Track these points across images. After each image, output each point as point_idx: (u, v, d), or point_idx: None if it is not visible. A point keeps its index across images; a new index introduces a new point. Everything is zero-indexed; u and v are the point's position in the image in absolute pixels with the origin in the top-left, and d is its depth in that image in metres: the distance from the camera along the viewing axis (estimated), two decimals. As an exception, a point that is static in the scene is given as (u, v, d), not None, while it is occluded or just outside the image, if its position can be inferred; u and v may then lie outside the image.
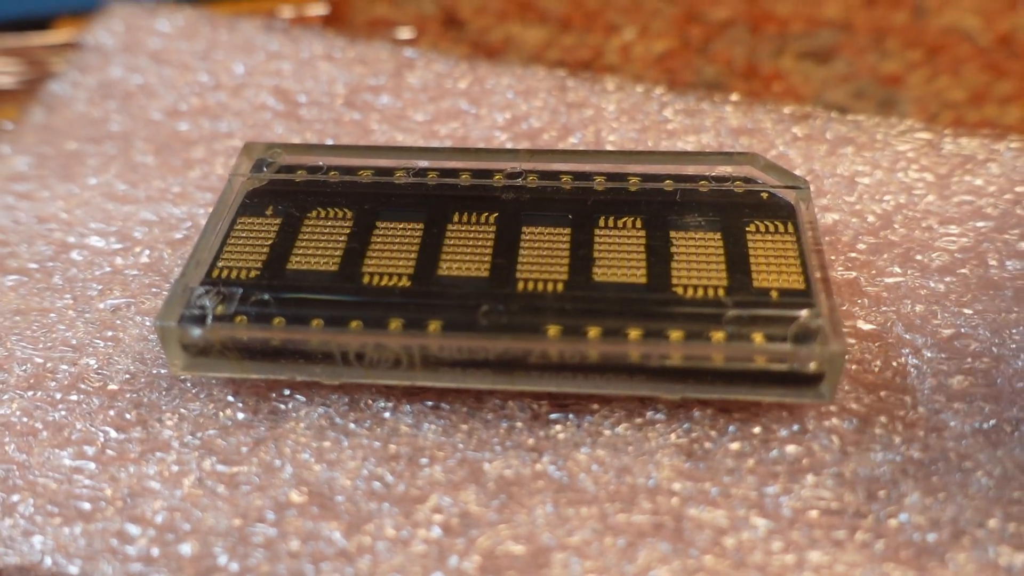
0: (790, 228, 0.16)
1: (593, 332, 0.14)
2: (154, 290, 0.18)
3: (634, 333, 0.14)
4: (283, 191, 0.17)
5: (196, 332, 0.15)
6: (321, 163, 0.18)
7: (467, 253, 0.16)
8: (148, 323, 0.17)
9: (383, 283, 0.15)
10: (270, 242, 0.16)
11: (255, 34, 0.23)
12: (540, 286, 0.15)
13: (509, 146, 0.20)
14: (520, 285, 0.15)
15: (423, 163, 0.18)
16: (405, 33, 0.25)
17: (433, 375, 0.15)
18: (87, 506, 0.15)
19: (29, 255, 0.18)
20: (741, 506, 0.14)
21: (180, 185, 0.20)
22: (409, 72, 0.22)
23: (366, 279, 0.15)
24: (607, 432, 0.15)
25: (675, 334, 0.14)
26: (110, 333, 0.17)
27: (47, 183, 0.20)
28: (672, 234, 0.16)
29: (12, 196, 0.20)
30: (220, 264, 0.16)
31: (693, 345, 0.14)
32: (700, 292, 0.15)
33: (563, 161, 0.18)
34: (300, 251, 0.16)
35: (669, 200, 0.17)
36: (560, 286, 0.15)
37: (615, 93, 0.21)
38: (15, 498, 0.15)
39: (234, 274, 0.16)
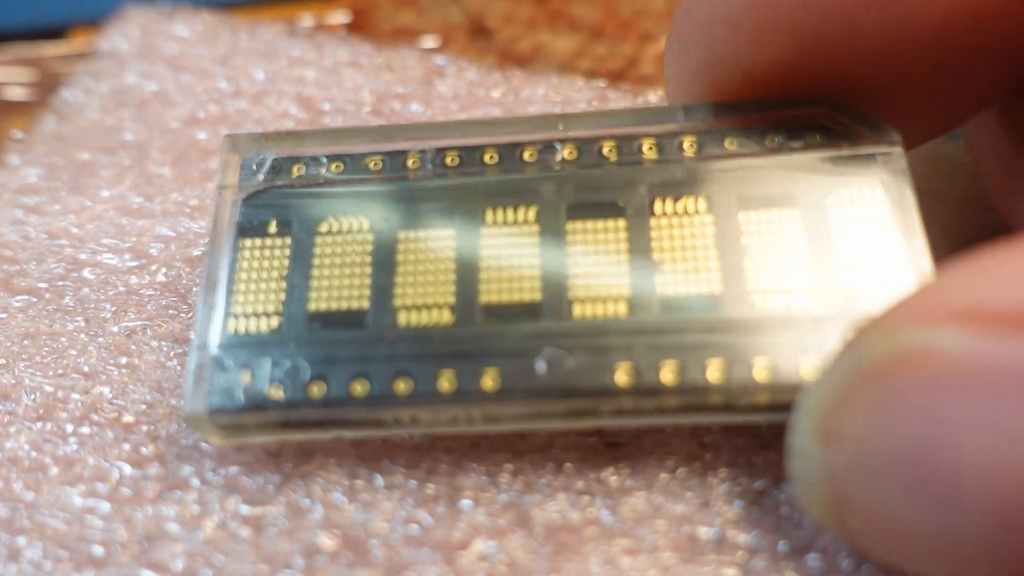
0: (880, 196, 0.14)
1: (667, 375, 0.13)
2: (171, 312, 0.17)
3: (713, 369, 0.13)
4: (283, 199, 0.15)
5: (226, 418, 0.13)
6: (319, 154, 0.15)
7: (511, 268, 0.14)
8: (165, 348, 0.16)
9: (421, 321, 0.14)
10: (284, 273, 0.14)
11: (277, 39, 0.22)
12: (600, 310, 0.13)
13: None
14: (577, 311, 0.13)
15: (438, 143, 0.15)
16: (430, 42, 0.24)
17: (495, 424, 0.13)
18: (100, 551, 0.13)
19: (39, 274, 0.17)
20: (815, 561, 0.13)
21: (198, 198, 0.19)
22: (439, 80, 0.21)
23: (402, 318, 0.14)
24: (664, 475, 0.14)
25: (760, 365, 0.13)
26: (125, 359, 0.16)
27: (58, 196, 0.19)
28: (742, 218, 0.14)
29: (21, 210, 0.18)
30: (234, 311, 0.14)
31: (781, 378, 0.12)
32: (782, 301, 0.13)
33: (602, 127, 0.15)
34: (319, 283, 0.14)
35: (734, 170, 0.14)
36: (623, 308, 0.13)
37: (659, 104, 0.20)
38: (21, 541, 0.14)
39: (252, 327, 0.14)
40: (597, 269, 0.14)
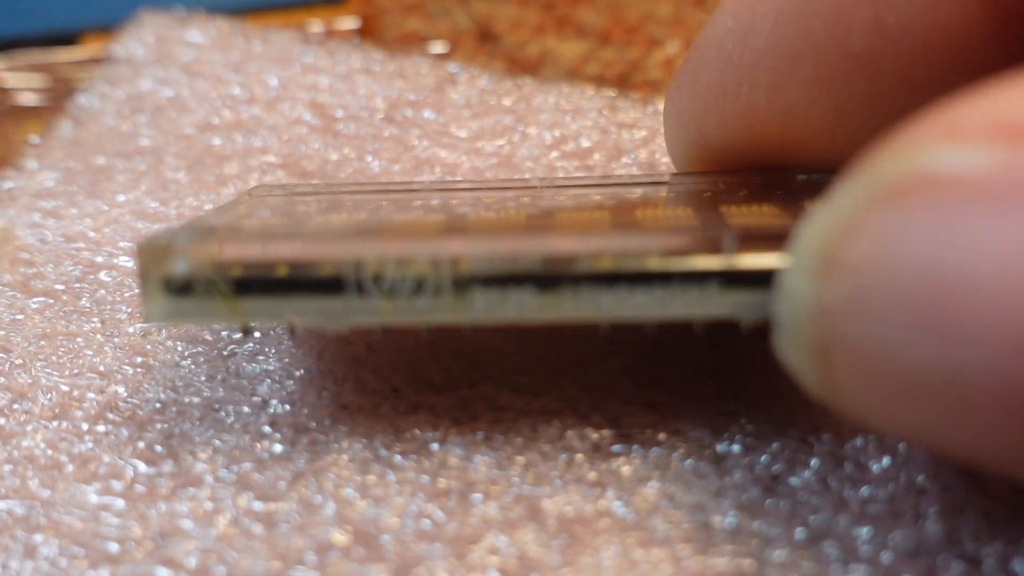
0: None
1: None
2: (186, 313, 0.17)
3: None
4: None
5: (181, 266, 0.13)
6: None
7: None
8: (180, 348, 0.16)
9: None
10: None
11: (290, 46, 0.22)
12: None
13: (559, 165, 0.19)
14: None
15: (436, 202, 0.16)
16: (439, 47, 0.24)
17: (464, 305, 0.13)
18: (115, 547, 0.13)
19: (56, 276, 0.17)
20: (832, 548, 0.13)
21: (213, 203, 0.19)
22: (451, 87, 0.21)
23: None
24: (676, 464, 0.14)
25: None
26: (140, 359, 0.16)
27: (75, 200, 0.19)
28: (723, 210, 0.14)
29: (39, 213, 0.19)
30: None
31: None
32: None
33: (586, 189, 0.16)
34: None
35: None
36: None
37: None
38: (38, 538, 0.14)
39: None
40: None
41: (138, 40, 0.22)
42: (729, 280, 0.12)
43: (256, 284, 0.13)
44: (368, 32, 0.25)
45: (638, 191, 0.16)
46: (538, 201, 0.15)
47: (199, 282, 0.13)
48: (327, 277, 0.13)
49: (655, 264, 0.12)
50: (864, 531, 0.13)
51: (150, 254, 0.13)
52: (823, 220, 0.10)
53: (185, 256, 0.13)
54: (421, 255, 0.13)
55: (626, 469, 0.14)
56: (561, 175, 0.19)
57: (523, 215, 0.14)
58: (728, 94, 0.15)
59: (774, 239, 0.12)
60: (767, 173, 0.16)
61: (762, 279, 0.12)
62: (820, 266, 0.10)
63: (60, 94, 0.22)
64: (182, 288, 0.13)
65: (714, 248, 0.12)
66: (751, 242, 0.12)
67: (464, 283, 0.13)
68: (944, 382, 0.09)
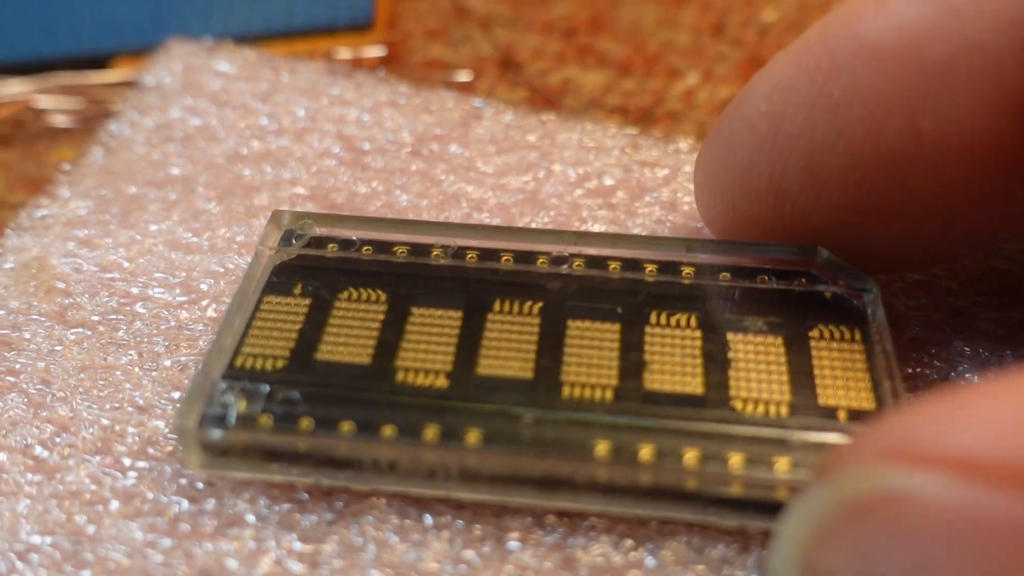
0: (858, 336, 0.15)
1: (645, 454, 0.13)
2: (222, 348, 0.17)
3: (690, 456, 0.13)
4: (313, 267, 0.17)
5: (217, 434, 0.14)
6: (354, 237, 0.17)
7: (509, 349, 0.15)
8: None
9: (418, 381, 0.15)
10: (299, 327, 0.15)
11: (317, 77, 0.23)
12: (588, 393, 0.14)
13: (583, 203, 0.20)
14: (566, 391, 0.14)
15: (462, 242, 0.17)
16: (463, 76, 0.25)
17: (469, 488, 0.14)
18: (162, 584, 0.14)
19: (92, 307, 0.18)
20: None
21: (244, 234, 0.19)
22: (476, 122, 0.22)
23: (400, 376, 0.15)
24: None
25: (735, 459, 0.13)
26: (177, 394, 0.16)
27: (108, 229, 0.19)
28: (729, 337, 0.15)
29: (73, 242, 0.19)
30: (244, 351, 0.15)
31: (755, 473, 0.13)
32: (761, 409, 0.14)
33: (611, 247, 0.17)
34: (330, 339, 0.15)
35: (726, 296, 0.16)
36: (610, 394, 0.14)
37: (690, 154, 0.21)
38: (85, 574, 0.14)
39: (259, 364, 0.15)
40: (589, 360, 0.15)
41: (166, 68, 0.23)
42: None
43: (282, 455, 0.14)
44: (393, 59, 0.26)
45: (652, 280, 0.16)
46: (550, 310, 0.16)
47: (235, 449, 0.14)
48: (343, 459, 0.14)
49: (646, 479, 0.14)
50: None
51: (183, 433, 0.14)
52: (800, 522, 0.11)
53: (220, 436, 0.14)
54: (430, 457, 0.14)
55: (655, 522, 0.14)
56: (585, 213, 0.20)
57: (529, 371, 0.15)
58: (761, 174, 0.15)
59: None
60: (790, 256, 0.16)
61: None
62: (803, 565, 0.11)
63: (92, 116, 0.23)
64: (220, 451, 0.14)
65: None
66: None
67: (471, 477, 0.14)
68: None
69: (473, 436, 0.14)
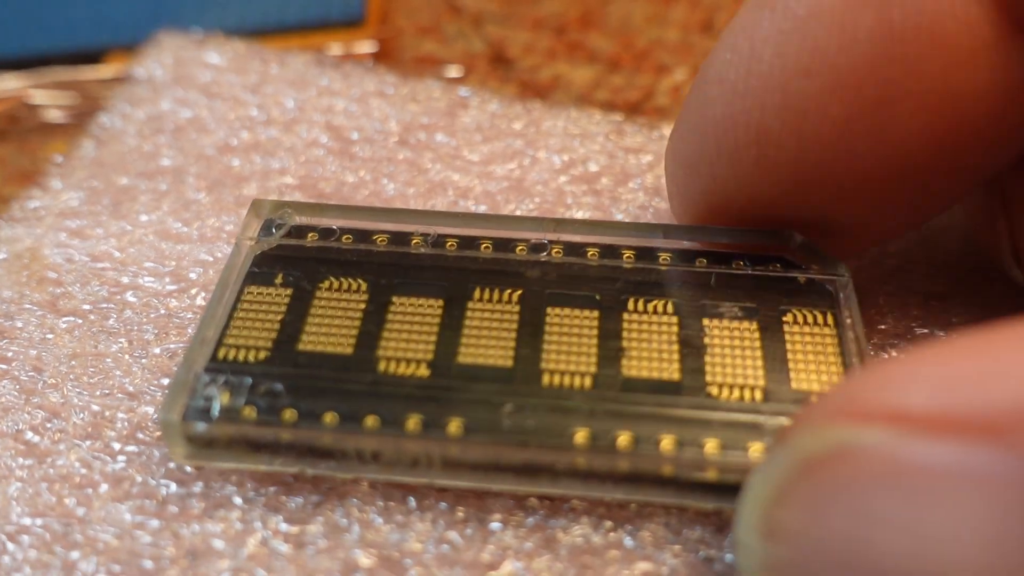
0: (830, 320, 0.15)
1: (623, 440, 0.14)
2: (211, 335, 0.17)
3: (667, 442, 0.14)
4: (294, 256, 0.17)
5: (201, 427, 0.14)
6: (334, 226, 0.17)
7: (489, 337, 0.15)
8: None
9: (400, 371, 0.15)
10: (280, 317, 0.16)
11: (306, 69, 0.23)
12: (567, 381, 0.15)
13: (568, 189, 0.20)
14: (546, 379, 0.15)
15: (441, 230, 0.17)
16: (453, 71, 0.25)
17: (451, 475, 0.14)
18: (150, 564, 0.14)
19: (83, 296, 0.18)
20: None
21: (233, 224, 0.20)
22: (462, 111, 0.22)
23: (382, 366, 0.15)
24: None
25: (711, 445, 0.14)
26: (167, 380, 0.17)
27: (99, 220, 0.20)
28: (705, 322, 0.15)
29: (64, 233, 0.19)
30: (227, 343, 0.15)
31: (730, 458, 0.14)
32: (736, 394, 0.14)
33: (589, 233, 0.17)
34: (312, 329, 0.15)
35: (702, 282, 0.16)
36: (589, 381, 0.15)
37: (674, 139, 0.21)
38: (75, 555, 0.14)
39: (242, 355, 0.15)
40: (568, 348, 0.15)
41: (157, 61, 0.23)
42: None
43: (266, 446, 0.15)
44: (385, 55, 0.26)
45: (630, 266, 0.16)
46: (529, 297, 0.16)
47: (219, 441, 0.15)
48: (327, 449, 0.14)
49: (624, 465, 0.14)
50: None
51: (168, 426, 0.14)
52: (760, 485, 0.11)
53: (204, 429, 0.14)
54: (412, 447, 0.14)
55: (634, 504, 0.15)
56: (570, 200, 0.20)
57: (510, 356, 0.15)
58: (739, 124, 0.15)
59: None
60: (765, 241, 0.16)
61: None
62: (763, 527, 0.11)
63: (85, 111, 0.23)
64: (205, 443, 0.15)
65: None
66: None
67: (453, 466, 0.14)
68: None
69: (455, 426, 0.14)
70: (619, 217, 0.20)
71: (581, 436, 0.14)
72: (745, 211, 0.16)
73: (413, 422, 0.14)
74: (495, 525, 0.15)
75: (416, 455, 0.14)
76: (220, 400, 0.14)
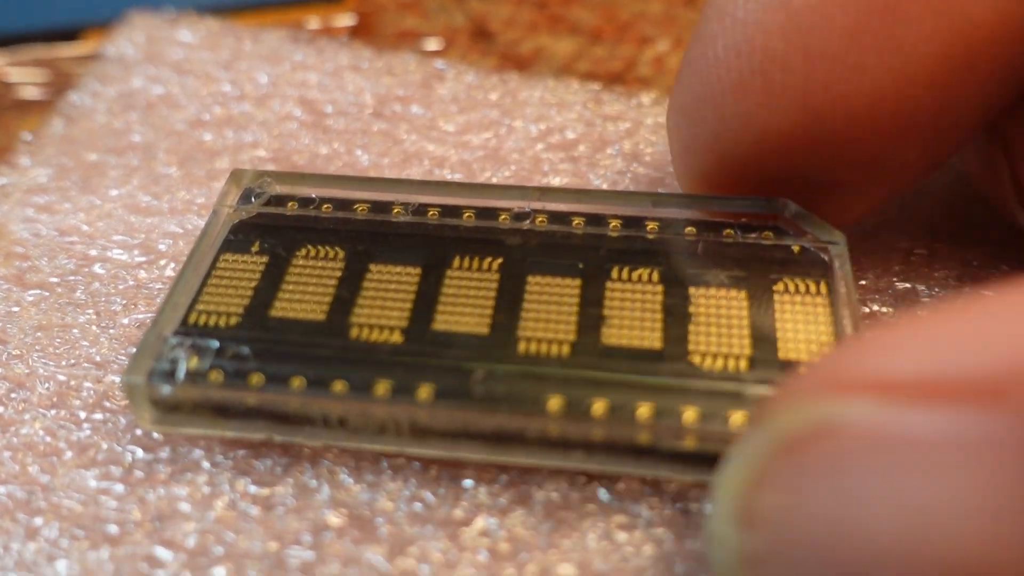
0: (823, 289, 0.15)
1: (598, 408, 0.13)
2: (180, 304, 0.17)
3: (643, 409, 0.13)
4: (272, 225, 0.16)
5: (166, 389, 0.14)
6: (314, 195, 0.17)
7: (466, 305, 0.15)
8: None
9: (372, 337, 0.14)
10: (254, 284, 0.15)
11: (279, 44, 0.23)
12: (544, 348, 0.14)
13: (545, 157, 0.20)
14: (522, 346, 0.14)
15: (423, 199, 0.16)
16: (433, 45, 0.25)
17: (421, 443, 0.14)
18: (115, 529, 0.14)
19: (50, 269, 0.18)
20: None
21: (205, 196, 0.19)
22: (438, 83, 0.22)
23: (354, 332, 0.14)
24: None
25: (689, 413, 0.13)
26: (135, 349, 0.16)
27: (68, 195, 0.19)
28: (691, 291, 0.15)
29: (32, 208, 0.19)
30: (198, 308, 0.15)
31: (709, 427, 0.13)
32: (719, 363, 0.14)
33: (575, 202, 0.16)
34: (286, 296, 0.15)
35: (690, 250, 0.15)
36: (566, 349, 0.14)
37: (652, 107, 0.21)
38: (38, 521, 0.14)
39: (212, 320, 0.15)
40: (547, 316, 0.15)
41: (128, 40, 0.23)
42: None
43: (233, 411, 0.14)
44: (365, 30, 0.25)
45: (616, 235, 0.16)
46: (510, 265, 0.15)
47: (184, 405, 0.14)
48: (294, 414, 0.14)
49: (598, 433, 0.13)
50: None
51: (132, 389, 0.14)
52: (736, 469, 0.11)
53: (169, 392, 0.14)
54: (380, 413, 0.14)
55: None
56: (546, 167, 0.20)
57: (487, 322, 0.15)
58: (742, 54, 0.14)
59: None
60: (757, 209, 0.16)
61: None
62: (740, 514, 0.10)
63: (61, 89, 0.23)
64: (171, 407, 0.14)
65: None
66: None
67: (422, 433, 0.14)
68: None
69: (424, 392, 0.14)
70: (597, 183, 0.19)
71: (555, 403, 0.13)
72: (752, 159, 0.15)
73: (382, 387, 0.14)
74: (468, 483, 0.14)
75: (384, 421, 0.14)
76: (186, 363, 0.14)
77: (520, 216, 0.16)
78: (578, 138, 0.20)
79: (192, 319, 0.15)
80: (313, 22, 0.25)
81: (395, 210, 0.16)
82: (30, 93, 0.23)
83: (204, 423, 0.14)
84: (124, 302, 0.17)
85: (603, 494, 0.14)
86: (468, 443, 0.14)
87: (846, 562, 0.09)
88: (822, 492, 0.10)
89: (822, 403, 0.10)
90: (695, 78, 0.15)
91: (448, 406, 0.13)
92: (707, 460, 0.13)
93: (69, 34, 0.25)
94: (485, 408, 0.13)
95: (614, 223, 0.16)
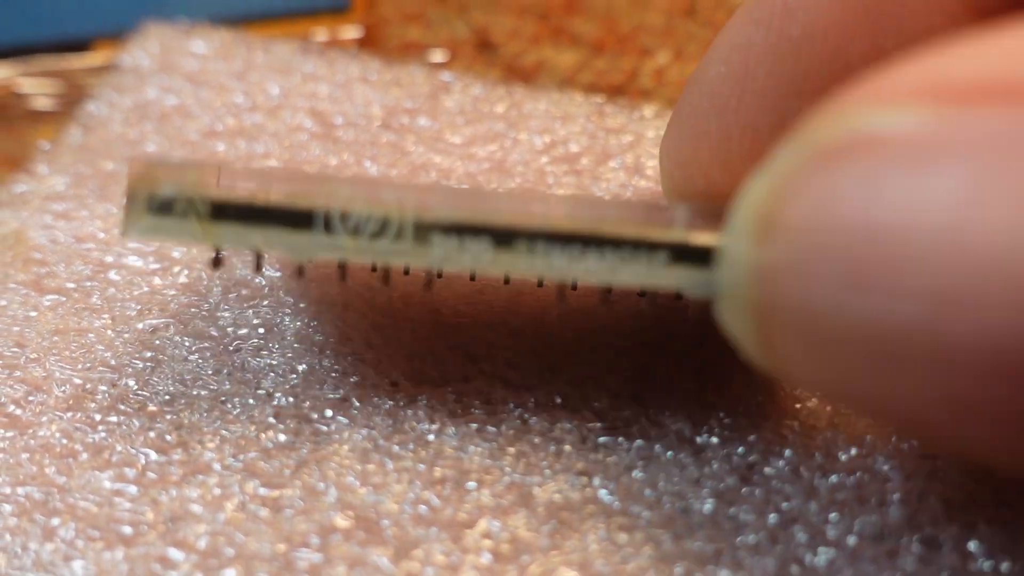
0: None
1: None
2: (193, 310, 0.17)
3: None
4: None
5: (168, 189, 0.13)
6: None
7: None
8: (187, 343, 0.17)
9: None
10: None
11: (291, 56, 0.23)
12: None
13: (549, 169, 0.20)
14: None
15: None
16: (438, 56, 0.25)
17: (424, 248, 0.13)
18: (128, 530, 0.14)
19: (67, 275, 0.18)
20: (801, 532, 0.14)
21: (217, 206, 0.20)
22: (445, 95, 0.22)
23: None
24: (659, 455, 0.15)
25: None
26: (149, 354, 0.17)
27: (85, 203, 0.20)
28: None
29: (50, 216, 0.19)
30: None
31: None
32: None
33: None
34: None
35: None
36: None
37: (654, 120, 0.21)
38: (55, 521, 0.14)
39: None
40: None
41: (143, 50, 0.23)
42: (678, 254, 0.12)
43: (231, 211, 0.14)
44: (370, 41, 0.26)
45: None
46: None
47: (180, 203, 0.14)
48: (298, 210, 0.13)
49: (608, 228, 0.13)
50: (832, 517, 0.14)
51: (139, 173, 0.14)
52: (761, 184, 0.10)
53: (171, 179, 0.14)
54: (388, 198, 0.13)
55: (611, 459, 0.15)
56: (551, 180, 0.20)
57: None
58: (732, 139, 0.14)
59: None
60: None
61: (709, 257, 0.12)
62: (759, 229, 0.10)
63: (72, 99, 0.23)
64: (163, 207, 0.14)
65: (667, 223, 0.13)
66: (704, 220, 0.12)
67: (425, 228, 0.13)
68: (876, 340, 0.09)
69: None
70: (600, 196, 0.20)
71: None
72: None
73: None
74: (471, 485, 0.15)
75: (388, 211, 0.13)
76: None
77: None
78: (581, 151, 0.21)
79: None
80: (320, 33, 0.26)
81: None
82: (42, 104, 0.24)
83: (192, 233, 0.14)
84: (139, 307, 0.18)
85: (604, 495, 0.14)
86: (473, 239, 0.13)
87: (868, 271, 0.09)
88: (854, 200, 0.09)
89: (863, 111, 0.09)
90: (688, 141, 0.16)
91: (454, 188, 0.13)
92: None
93: (80, 45, 0.25)
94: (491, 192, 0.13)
95: None
